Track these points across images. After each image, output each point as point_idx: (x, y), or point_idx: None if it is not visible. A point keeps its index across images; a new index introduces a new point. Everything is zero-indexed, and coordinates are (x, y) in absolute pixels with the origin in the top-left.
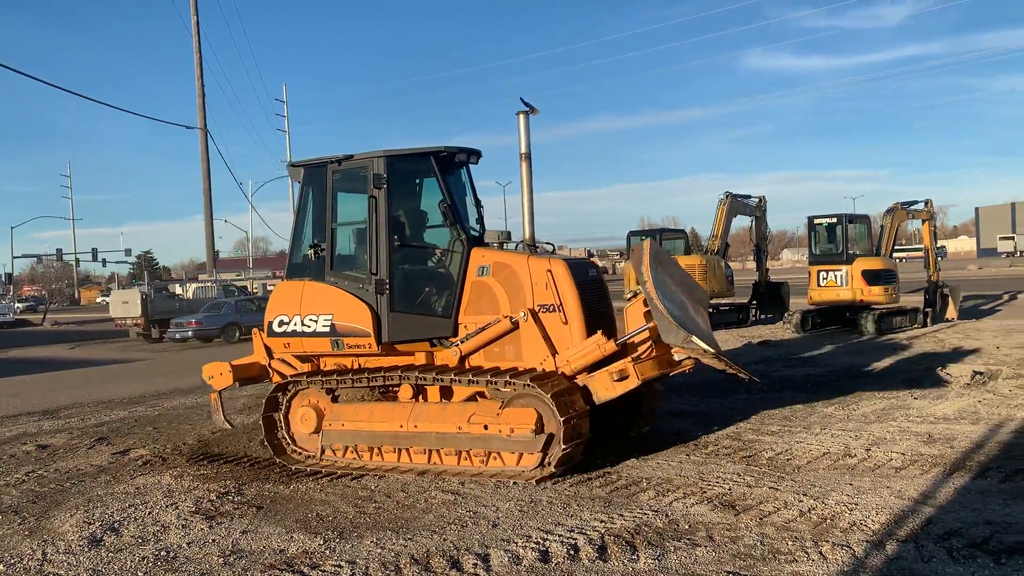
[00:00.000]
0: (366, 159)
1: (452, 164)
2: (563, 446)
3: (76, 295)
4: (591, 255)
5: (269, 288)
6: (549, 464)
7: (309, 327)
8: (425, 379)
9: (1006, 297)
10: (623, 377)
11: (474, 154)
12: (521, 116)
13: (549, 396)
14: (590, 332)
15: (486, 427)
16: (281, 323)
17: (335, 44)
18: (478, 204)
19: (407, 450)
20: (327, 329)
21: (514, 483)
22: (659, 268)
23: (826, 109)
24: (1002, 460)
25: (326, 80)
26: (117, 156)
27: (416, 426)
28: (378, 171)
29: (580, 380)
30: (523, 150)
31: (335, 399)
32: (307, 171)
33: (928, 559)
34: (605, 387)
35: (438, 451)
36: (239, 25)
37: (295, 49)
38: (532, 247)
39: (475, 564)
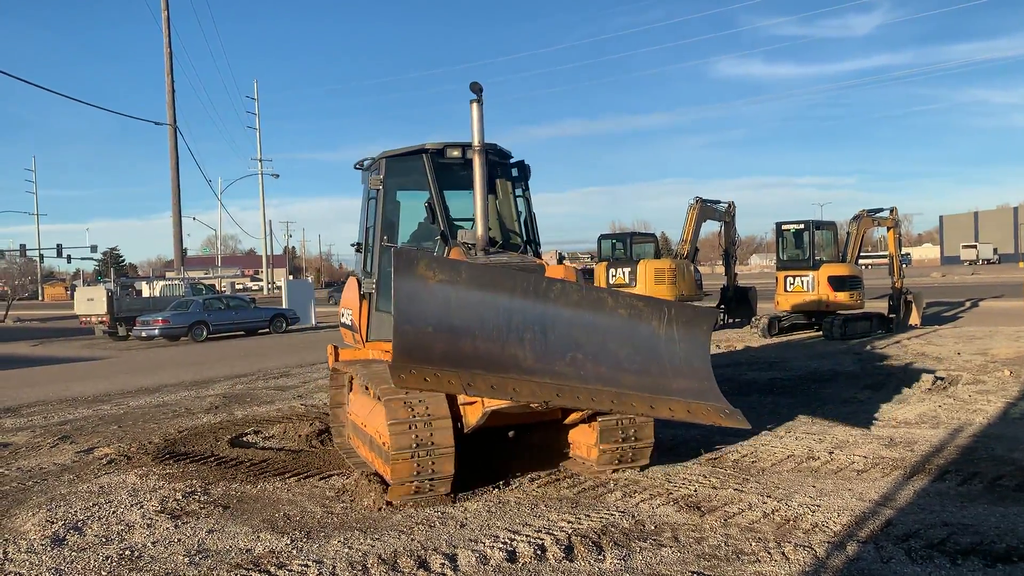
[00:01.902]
0: (373, 161)
1: (449, 161)
2: None
3: (40, 292)
4: (562, 258)
5: (237, 286)
6: None
7: (343, 319)
8: None
9: (968, 304)
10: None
11: (469, 148)
12: (474, 106)
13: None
14: None
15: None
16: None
17: (307, 41)
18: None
19: None
20: (348, 323)
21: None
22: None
23: (796, 116)
24: (960, 464)
25: (298, 78)
26: (84, 152)
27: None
28: (376, 171)
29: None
30: (476, 144)
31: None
32: (363, 173)
33: (887, 560)
34: (473, 411)
35: None
36: (210, 21)
37: (266, 46)
38: (485, 250)
39: (442, 564)
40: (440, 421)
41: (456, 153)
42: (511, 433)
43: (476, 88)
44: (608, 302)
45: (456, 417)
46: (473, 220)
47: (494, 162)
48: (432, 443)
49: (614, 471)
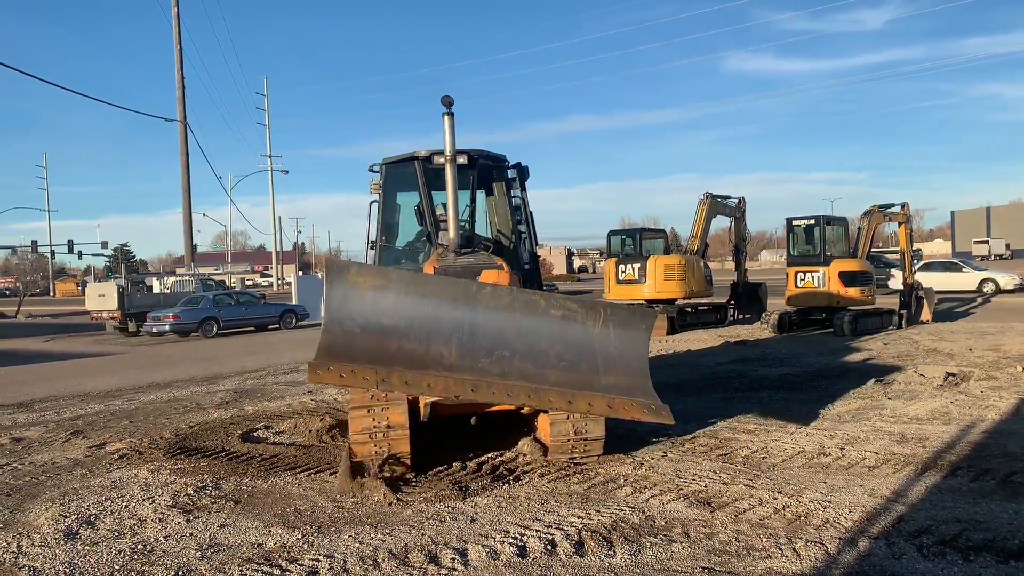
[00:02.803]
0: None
1: (439, 167)
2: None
3: (51, 288)
4: (571, 254)
5: (247, 282)
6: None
7: None
8: None
9: (979, 300)
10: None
11: (460, 154)
12: (446, 118)
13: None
14: None
15: None
16: None
17: (318, 37)
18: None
19: None
20: None
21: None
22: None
23: (807, 112)
24: (972, 460)
25: (308, 74)
26: (95, 148)
27: None
28: (377, 176)
29: None
30: (448, 153)
31: None
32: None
33: (899, 556)
34: (424, 402)
35: None
36: (220, 17)
37: (277, 42)
38: (455, 251)
39: (453, 559)
40: (396, 406)
41: (442, 160)
42: (473, 420)
43: (447, 101)
44: (540, 304)
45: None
46: (469, 221)
47: (488, 166)
48: (388, 426)
49: (569, 461)
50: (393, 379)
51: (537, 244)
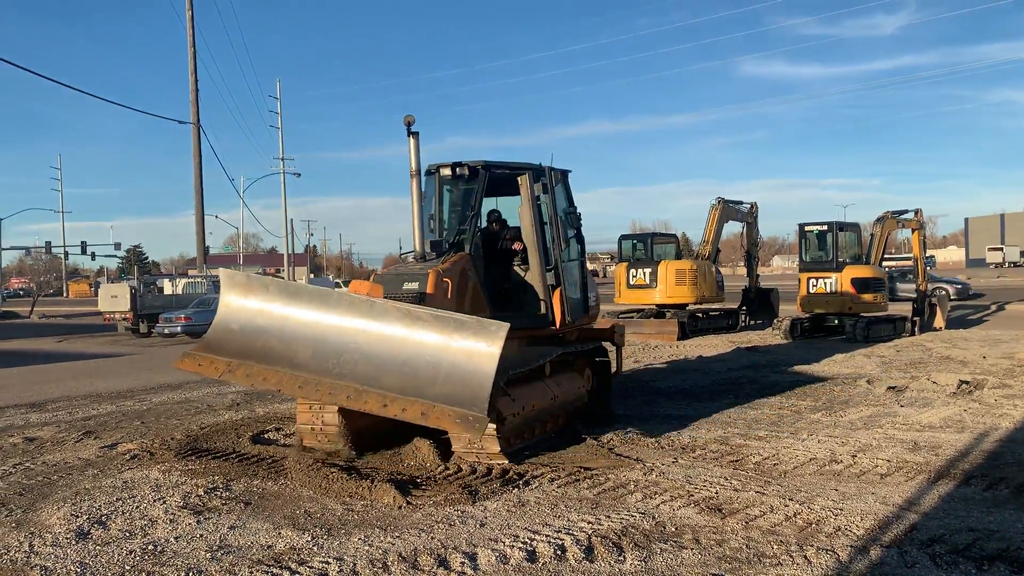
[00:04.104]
0: None
1: (445, 178)
2: None
3: (64, 288)
4: None
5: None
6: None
7: None
8: None
9: (993, 307)
10: None
11: (444, 166)
12: (412, 138)
13: None
14: None
15: None
16: None
17: (331, 40)
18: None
19: None
20: None
21: (500, 483)
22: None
23: (820, 117)
24: (986, 468)
25: (321, 77)
26: (108, 150)
27: None
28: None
29: None
30: (413, 168)
31: None
32: None
33: (911, 565)
34: None
35: None
36: (234, 20)
37: (290, 45)
38: (416, 258)
39: (462, 563)
40: (328, 408)
41: (446, 172)
42: None
43: (408, 121)
44: (392, 314)
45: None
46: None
47: (501, 177)
48: (323, 422)
49: (472, 458)
50: (238, 372)
51: (563, 247)
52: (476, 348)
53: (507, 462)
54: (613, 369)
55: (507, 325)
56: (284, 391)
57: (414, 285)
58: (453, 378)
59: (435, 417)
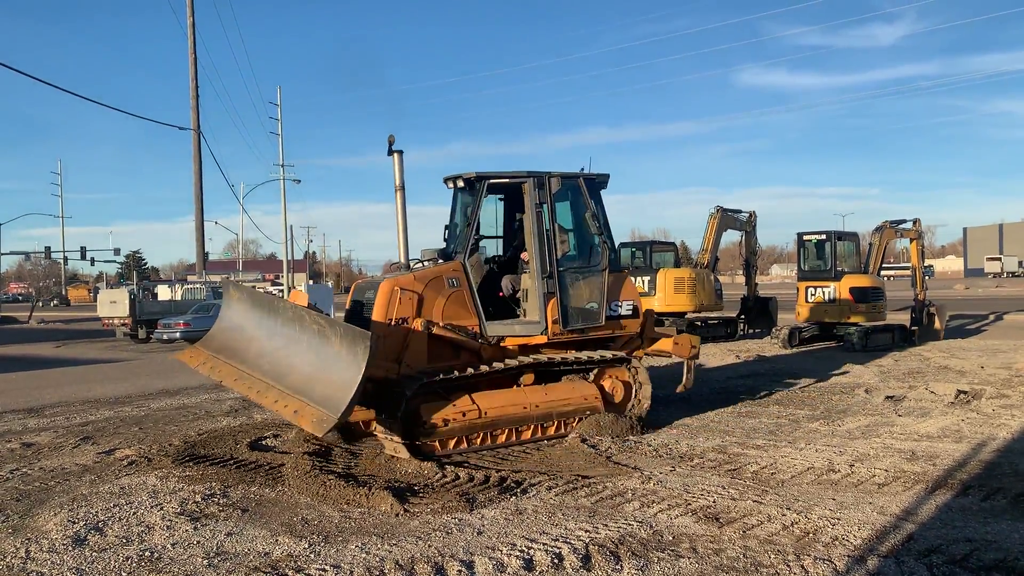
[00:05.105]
0: None
1: (463, 188)
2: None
3: (64, 293)
4: None
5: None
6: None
7: None
8: None
9: (992, 317)
10: None
11: (448, 179)
12: (395, 156)
13: None
14: None
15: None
16: None
17: (331, 47)
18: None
19: None
20: None
21: (496, 491)
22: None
23: (819, 126)
24: (983, 479)
25: (322, 85)
26: (108, 155)
27: None
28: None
29: None
30: (397, 183)
31: None
32: None
33: (908, 575)
34: None
35: None
36: (235, 26)
37: (290, 52)
38: (400, 267)
39: (459, 571)
40: None
41: (451, 184)
42: None
43: (390, 141)
44: (305, 320)
45: None
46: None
47: (515, 186)
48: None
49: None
50: (207, 365)
51: (552, 260)
52: (351, 353)
53: (423, 461)
54: (678, 386)
55: (369, 334)
56: (226, 383)
57: (372, 295)
58: (330, 379)
59: (301, 416)
